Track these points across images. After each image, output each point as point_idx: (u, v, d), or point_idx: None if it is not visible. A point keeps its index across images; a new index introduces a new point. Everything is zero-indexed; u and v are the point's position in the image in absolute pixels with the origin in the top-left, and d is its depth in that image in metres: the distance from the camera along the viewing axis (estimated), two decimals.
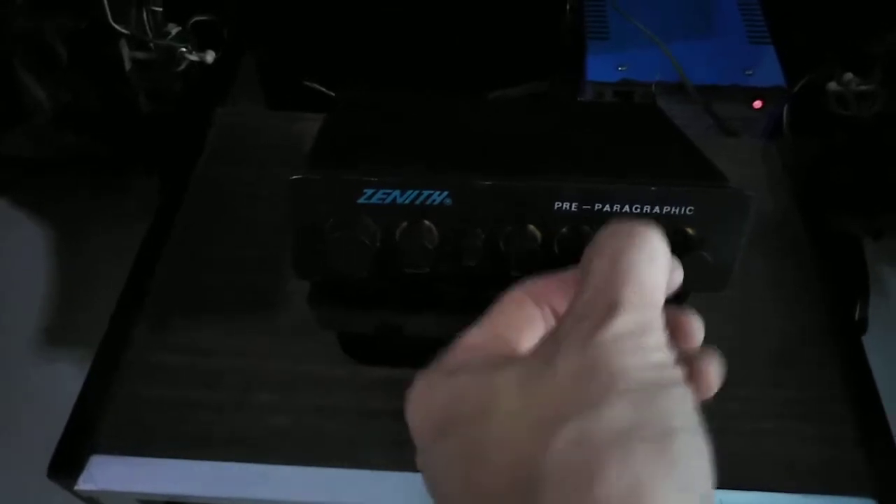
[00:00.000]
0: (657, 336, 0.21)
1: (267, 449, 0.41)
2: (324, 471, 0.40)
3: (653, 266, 0.22)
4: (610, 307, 0.21)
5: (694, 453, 0.19)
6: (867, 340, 0.47)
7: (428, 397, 0.23)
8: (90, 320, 0.48)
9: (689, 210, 0.29)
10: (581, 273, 0.23)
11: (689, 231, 0.29)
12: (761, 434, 0.42)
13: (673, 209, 0.29)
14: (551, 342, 0.21)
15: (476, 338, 0.24)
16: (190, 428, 0.41)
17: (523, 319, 0.24)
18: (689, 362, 0.22)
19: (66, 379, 0.55)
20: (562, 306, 0.25)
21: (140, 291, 0.47)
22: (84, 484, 0.39)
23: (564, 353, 0.20)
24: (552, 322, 0.25)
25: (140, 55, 0.56)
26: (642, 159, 0.35)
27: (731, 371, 0.44)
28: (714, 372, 0.24)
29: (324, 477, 0.40)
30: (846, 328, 0.48)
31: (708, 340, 0.47)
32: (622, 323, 0.20)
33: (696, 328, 0.25)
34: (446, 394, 0.22)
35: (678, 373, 0.20)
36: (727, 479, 0.39)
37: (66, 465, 0.39)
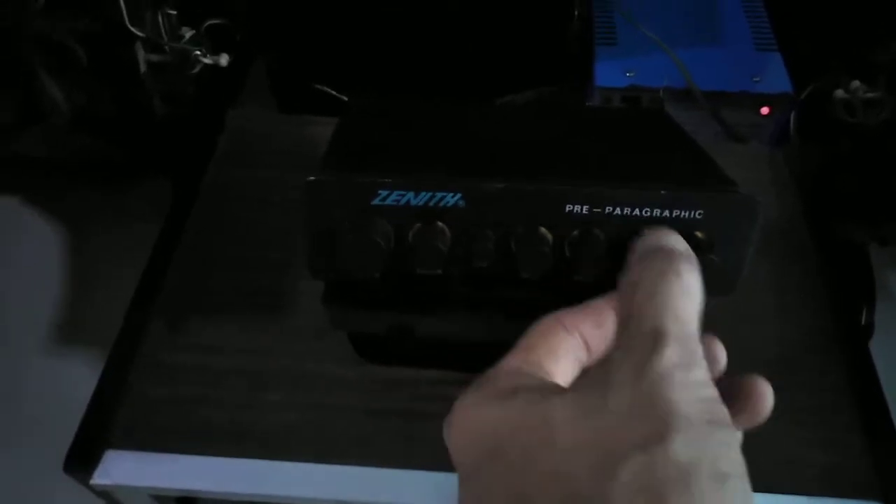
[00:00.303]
0: (703, 371, 0.21)
1: (277, 446, 0.41)
2: (333, 468, 0.41)
3: (687, 299, 0.23)
4: (654, 340, 0.21)
5: (745, 494, 0.19)
6: (873, 346, 0.48)
7: (476, 421, 0.23)
8: (102, 319, 0.48)
9: (699, 214, 0.29)
10: (619, 302, 0.24)
11: (699, 235, 0.30)
12: (767, 439, 0.42)
13: (682, 213, 0.29)
14: (601, 375, 0.22)
15: (515, 362, 0.24)
16: (202, 425, 0.42)
17: (559, 347, 0.25)
18: (728, 389, 0.23)
19: (79, 376, 0.56)
20: (592, 335, 0.25)
21: (153, 291, 0.48)
22: (99, 478, 0.39)
23: (617, 387, 0.21)
24: (583, 351, 0.25)
25: (155, 58, 0.57)
26: (652, 163, 0.36)
27: (737, 374, 0.45)
28: (766, 398, 0.25)
29: (333, 474, 0.40)
30: (852, 334, 0.48)
31: None
32: (668, 356, 0.21)
33: (720, 351, 0.26)
34: (497, 419, 0.22)
35: (725, 412, 0.21)
36: None
37: (81, 459, 0.40)
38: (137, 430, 0.41)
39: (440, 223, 0.30)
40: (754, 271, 0.49)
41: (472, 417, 0.23)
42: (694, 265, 0.24)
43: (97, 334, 0.49)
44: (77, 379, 0.48)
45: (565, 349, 0.25)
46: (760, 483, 0.39)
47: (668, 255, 0.25)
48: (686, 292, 0.23)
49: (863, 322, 0.60)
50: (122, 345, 0.45)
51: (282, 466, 0.40)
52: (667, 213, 0.29)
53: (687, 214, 0.29)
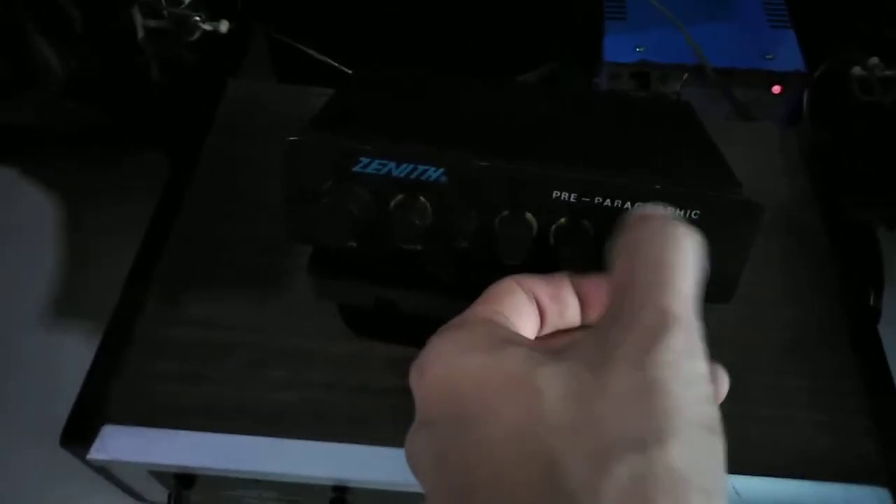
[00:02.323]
0: (704, 362, 0.20)
1: (276, 423, 0.41)
2: (332, 445, 0.40)
3: (694, 274, 0.22)
4: (660, 319, 0.20)
5: None
6: (881, 330, 0.47)
7: (453, 369, 0.21)
8: (99, 292, 0.47)
9: (695, 214, 0.28)
10: (615, 267, 0.23)
11: None
12: (774, 421, 0.42)
13: (677, 211, 0.28)
14: (596, 349, 0.20)
15: (486, 312, 0.23)
16: (200, 400, 0.41)
17: (520, 306, 0.24)
18: None
19: (76, 350, 0.55)
20: (547, 303, 0.24)
21: (150, 264, 0.47)
22: (96, 453, 0.39)
23: (617, 369, 0.19)
24: (537, 316, 0.24)
25: (153, 23, 0.55)
26: (654, 155, 0.34)
27: (745, 359, 0.44)
28: (724, 385, 0.24)
29: (332, 451, 0.40)
30: (860, 317, 0.47)
31: (720, 326, 0.47)
32: (676, 340, 0.20)
33: (724, 380, 0.25)
34: (480, 374, 0.21)
35: (718, 415, 0.20)
36: (740, 465, 0.39)
37: (78, 434, 0.39)
38: (135, 406, 0.41)
39: (422, 198, 0.29)
40: (762, 252, 0.49)
41: (453, 365, 0.21)
42: (700, 239, 0.22)
43: (95, 309, 0.48)
44: (75, 354, 0.48)
45: (525, 310, 0.24)
46: (765, 467, 0.39)
47: (672, 222, 0.23)
48: (692, 264, 0.22)
49: (870, 305, 0.59)
50: (118, 319, 0.45)
51: (280, 443, 0.40)
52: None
53: (682, 213, 0.28)
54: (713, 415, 0.20)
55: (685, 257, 0.22)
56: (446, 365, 0.22)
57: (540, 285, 0.25)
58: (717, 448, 0.19)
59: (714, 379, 0.23)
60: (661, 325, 0.20)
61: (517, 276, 0.25)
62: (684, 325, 0.20)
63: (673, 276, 0.21)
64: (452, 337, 0.22)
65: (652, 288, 0.21)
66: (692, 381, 0.19)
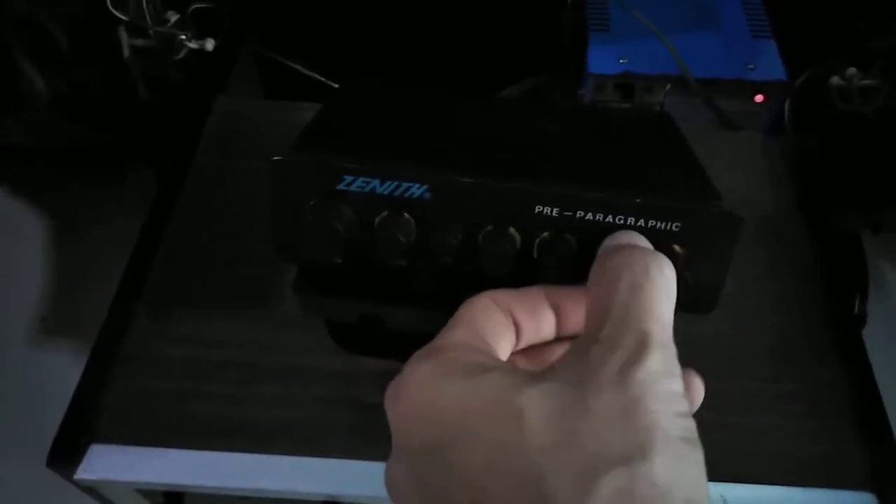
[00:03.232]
0: (680, 381, 0.21)
1: (267, 440, 0.40)
2: (323, 461, 0.40)
3: (669, 302, 0.22)
4: (640, 342, 0.21)
5: None
6: (866, 335, 0.48)
7: (430, 397, 0.21)
8: (89, 310, 0.47)
9: (676, 226, 0.28)
10: (593, 294, 0.23)
11: (676, 249, 0.28)
12: (761, 428, 0.42)
13: (658, 224, 0.28)
14: (578, 369, 0.21)
15: (463, 337, 0.23)
16: (189, 418, 0.41)
17: (497, 325, 0.24)
18: None
19: (65, 369, 0.55)
20: (524, 319, 0.25)
21: (139, 281, 0.47)
22: (83, 473, 0.38)
23: (598, 387, 0.20)
24: (514, 333, 0.25)
25: (139, 42, 0.56)
26: (635, 169, 0.35)
27: (731, 365, 0.45)
28: (699, 392, 0.24)
29: (323, 468, 0.40)
30: (845, 323, 0.48)
31: (705, 334, 0.47)
32: (655, 361, 0.20)
33: (699, 387, 0.25)
34: (462, 401, 0.21)
35: (695, 427, 0.20)
36: (727, 472, 0.40)
37: (65, 454, 0.39)
38: (123, 424, 0.41)
39: (406, 214, 0.29)
40: (747, 259, 0.49)
41: (431, 393, 0.21)
42: (672, 266, 0.23)
43: (83, 326, 0.48)
44: (65, 371, 0.47)
45: (502, 330, 0.24)
46: (752, 473, 0.39)
47: (650, 252, 0.24)
48: (668, 292, 0.23)
49: (856, 312, 0.60)
50: (106, 337, 0.45)
51: (271, 460, 0.40)
52: (641, 222, 0.28)
53: (663, 226, 0.28)
54: (690, 427, 0.20)
55: (663, 285, 0.23)
56: (423, 393, 0.22)
57: (516, 301, 0.25)
58: (696, 458, 0.20)
59: (689, 387, 0.23)
60: (641, 348, 0.20)
61: (492, 293, 0.25)
62: (662, 347, 0.21)
63: (651, 302, 0.22)
64: (428, 364, 0.22)
65: (632, 312, 0.22)
66: (669, 398, 0.20)
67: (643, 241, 0.26)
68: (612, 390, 0.20)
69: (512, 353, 0.25)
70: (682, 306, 0.29)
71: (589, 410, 0.19)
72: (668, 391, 0.20)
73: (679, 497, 0.18)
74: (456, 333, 0.24)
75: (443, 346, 0.23)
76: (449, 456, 0.20)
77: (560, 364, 0.22)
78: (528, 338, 0.25)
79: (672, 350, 0.21)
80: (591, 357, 0.21)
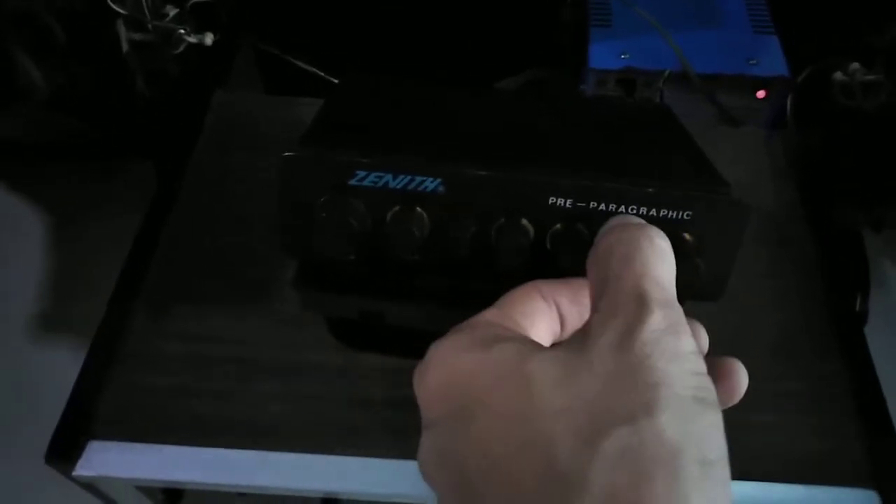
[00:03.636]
0: (690, 340, 0.20)
1: (265, 436, 0.40)
2: (322, 458, 0.40)
3: (664, 263, 0.22)
4: (638, 304, 0.20)
5: (727, 482, 0.19)
6: (868, 332, 0.47)
7: (453, 370, 0.22)
8: (87, 306, 0.47)
9: (687, 215, 0.28)
10: (591, 276, 0.23)
11: (686, 237, 0.29)
12: (762, 425, 0.42)
13: (669, 213, 0.28)
14: (580, 339, 0.21)
15: (493, 316, 0.24)
16: (188, 415, 0.41)
17: (535, 310, 0.24)
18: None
19: (64, 366, 0.55)
20: (569, 310, 0.25)
21: (137, 278, 0.47)
22: (82, 470, 0.38)
23: (601, 351, 0.20)
24: (557, 323, 0.25)
25: (137, 37, 0.55)
26: (643, 159, 0.35)
27: None
28: (742, 380, 0.24)
29: (322, 464, 0.40)
30: (847, 319, 0.48)
31: (709, 331, 0.47)
32: (655, 320, 0.20)
33: (702, 333, 0.26)
34: (476, 369, 0.21)
35: (713, 389, 0.20)
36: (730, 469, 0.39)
37: (64, 450, 0.39)
38: (121, 420, 0.41)
39: (419, 208, 0.29)
40: (749, 256, 0.49)
41: (449, 365, 0.22)
42: (662, 233, 0.23)
43: (83, 322, 0.47)
44: (63, 368, 0.47)
45: (541, 315, 0.24)
46: (755, 470, 0.39)
47: (639, 224, 0.24)
48: (662, 257, 0.22)
49: (857, 309, 0.60)
50: (105, 333, 0.44)
51: (269, 457, 0.40)
52: (653, 211, 0.28)
53: (674, 214, 0.28)
54: (705, 386, 0.20)
55: (655, 251, 0.22)
56: (443, 367, 0.22)
57: (560, 290, 0.25)
58: (711, 418, 0.19)
59: (696, 336, 0.23)
60: (639, 308, 0.20)
61: (537, 282, 0.25)
62: (662, 305, 0.21)
63: (645, 266, 0.22)
64: (450, 340, 0.23)
65: (626, 278, 0.21)
66: (677, 355, 0.20)
67: (634, 220, 0.26)
68: (616, 352, 0.19)
69: (557, 342, 0.25)
70: (692, 294, 0.29)
71: (594, 374, 0.19)
72: (675, 348, 0.20)
73: (692, 456, 0.18)
74: (487, 313, 0.24)
75: (468, 324, 0.23)
76: (465, 427, 0.20)
77: (570, 337, 0.22)
78: (573, 325, 0.25)
79: (677, 309, 0.21)
80: (593, 325, 0.21)
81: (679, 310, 0.21)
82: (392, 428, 0.41)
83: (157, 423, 0.40)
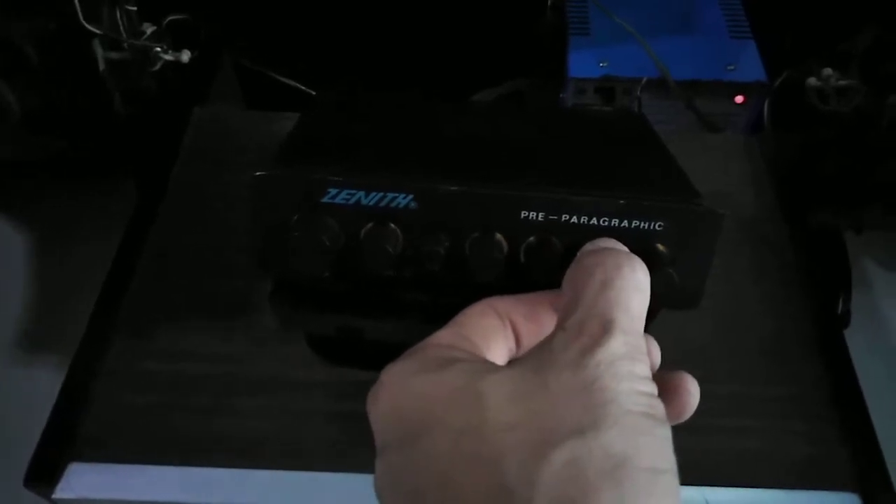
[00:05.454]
0: (645, 368, 0.21)
1: (248, 453, 0.40)
2: (306, 475, 0.40)
3: (639, 296, 0.23)
4: (604, 328, 0.21)
5: (677, 493, 0.19)
6: (849, 334, 0.48)
7: (405, 393, 0.22)
8: (68, 325, 0.47)
9: (659, 226, 0.29)
10: (566, 291, 0.23)
11: (660, 247, 0.29)
12: (744, 430, 0.42)
13: (642, 224, 0.29)
14: (541, 355, 0.21)
15: (446, 338, 0.24)
16: (170, 433, 0.41)
17: (489, 329, 0.24)
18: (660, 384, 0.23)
19: (45, 385, 0.54)
20: (523, 324, 0.25)
21: (118, 295, 0.47)
22: (62, 492, 0.38)
23: (558, 369, 0.20)
24: (513, 341, 0.25)
25: (114, 55, 0.55)
26: (616, 170, 0.35)
27: (714, 367, 0.44)
28: (693, 396, 0.24)
29: (306, 481, 0.39)
30: (828, 323, 0.48)
31: (689, 336, 0.47)
32: (616, 345, 0.20)
33: (655, 351, 0.26)
34: (428, 392, 0.21)
35: (663, 408, 0.21)
36: (711, 475, 0.39)
37: (43, 473, 0.39)
38: (102, 441, 0.40)
39: (392, 224, 0.29)
40: (730, 260, 0.50)
41: (402, 389, 0.22)
42: (645, 267, 0.24)
43: (62, 342, 0.47)
44: (44, 388, 0.47)
45: (495, 334, 0.24)
46: (736, 476, 0.39)
47: (623, 253, 0.24)
48: (638, 289, 0.23)
49: (839, 311, 0.60)
50: (85, 352, 0.44)
51: (252, 475, 0.39)
52: (626, 223, 0.28)
53: (647, 225, 0.29)
54: (655, 405, 0.20)
55: (634, 282, 0.23)
56: (396, 390, 0.22)
57: (515, 307, 0.25)
58: (661, 433, 0.20)
59: (649, 355, 0.23)
60: (603, 332, 0.21)
61: (491, 299, 0.25)
62: (627, 334, 0.21)
63: (621, 295, 0.22)
64: (403, 364, 0.23)
65: (600, 303, 0.22)
66: (630, 377, 0.20)
67: (620, 246, 0.26)
68: (571, 370, 0.20)
69: (513, 360, 0.25)
70: (668, 303, 0.30)
71: (548, 390, 0.20)
72: (630, 371, 0.20)
73: (640, 466, 0.18)
74: (441, 334, 0.24)
75: (421, 346, 0.23)
76: (417, 448, 0.20)
77: (527, 354, 0.22)
78: (529, 342, 0.25)
79: (639, 340, 0.22)
80: (555, 343, 0.21)
81: (641, 339, 0.22)
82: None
83: (139, 443, 0.40)
